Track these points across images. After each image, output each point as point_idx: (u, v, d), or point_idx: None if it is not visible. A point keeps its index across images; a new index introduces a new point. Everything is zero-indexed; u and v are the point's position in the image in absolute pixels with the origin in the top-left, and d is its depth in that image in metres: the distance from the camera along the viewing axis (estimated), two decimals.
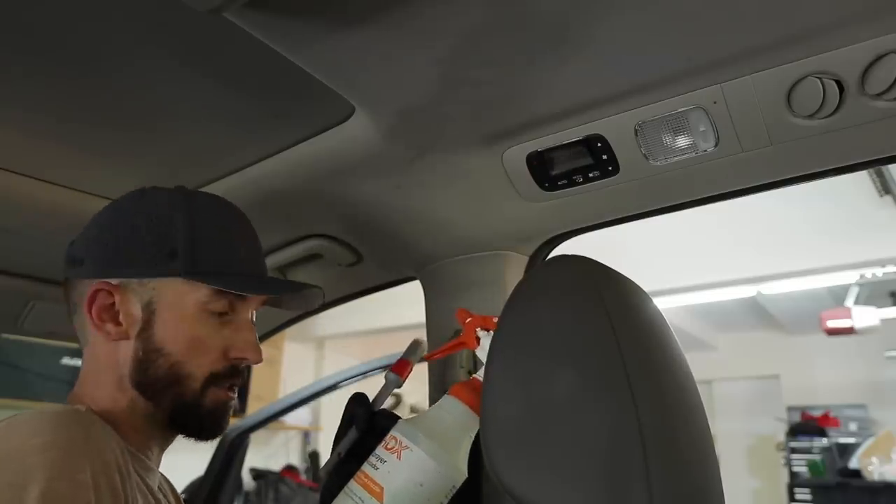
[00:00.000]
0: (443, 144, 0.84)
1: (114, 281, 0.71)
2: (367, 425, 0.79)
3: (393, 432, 0.70)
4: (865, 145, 0.74)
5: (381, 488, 0.65)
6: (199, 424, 0.73)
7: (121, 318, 0.71)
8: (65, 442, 0.57)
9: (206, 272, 0.72)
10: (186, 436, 0.74)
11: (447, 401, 0.72)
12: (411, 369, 0.89)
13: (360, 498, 0.66)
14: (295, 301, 0.84)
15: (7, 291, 1.20)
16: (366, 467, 0.69)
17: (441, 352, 0.84)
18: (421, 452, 0.67)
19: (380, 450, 0.69)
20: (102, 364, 0.72)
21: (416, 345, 0.93)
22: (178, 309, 0.71)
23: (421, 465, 0.66)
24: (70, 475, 0.54)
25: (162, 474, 0.80)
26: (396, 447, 0.68)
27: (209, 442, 0.76)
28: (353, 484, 0.68)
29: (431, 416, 0.72)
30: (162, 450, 0.76)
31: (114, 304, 0.71)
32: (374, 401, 0.84)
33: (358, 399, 0.82)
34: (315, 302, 0.83)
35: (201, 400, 0.71)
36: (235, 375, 0.74)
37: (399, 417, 0.79)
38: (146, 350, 0.70)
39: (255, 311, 0.79)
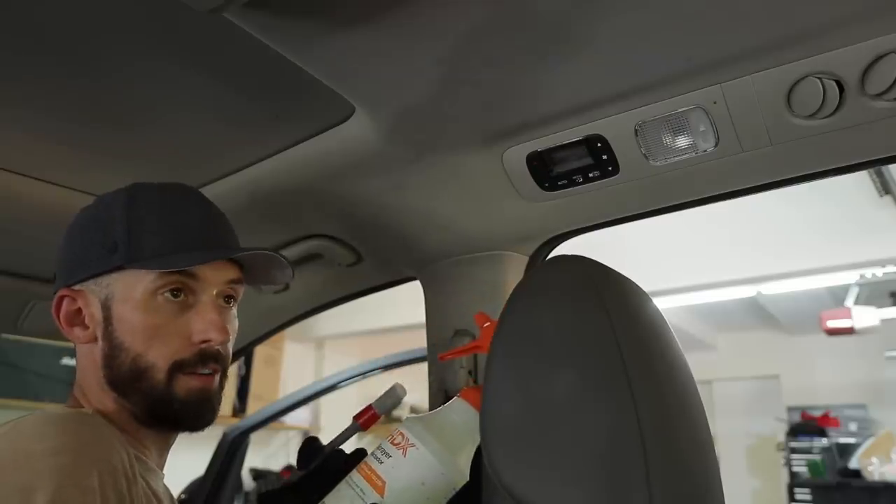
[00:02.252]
0: (443, 144, 0.84)
1: (76, 287, 0.73)
2: (317, 467, 0.82)
3: (401, 428, 0.70)
4: (865, 145, 0.73)
5: (384, 482, 0.66)
6: (175, 416, 0.70)
7: (86, 320, 0.72)
8: (73, 446, 0.57)
9: (146, 257, 0.70)
10: (169, 429, 0.73)
11: (457, 403, 0.73)
12: (378, 420, 0.89)
13: (361, 489, 0.67)
14: (272, 273, 0.80)
15: (7, 291, 1.20)
16: (370, 460, 0.69)
17: (455, 353, 0.84)
18: (426, 452, 0.68)
19: (385, 444, 0.70)
20: (86, 369, 0.73)
21: (390, 394, 0.91)
22: (129, 300, 0.70)
23: (425, 464, 0.67)
24: (77, 480, 0.55)
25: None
26: (403, 443, 0.69)
27: (203, 434, 0.74)
28: (355, 474, 0.69)
29: (440, 416, 0.72)
30: (161, 449, 0.75)
31: (80, 309, 0.72)
32: (332, 442, 0.87)
33: (309, 443, 0.85)
34: (280, 275, 0.80)
35: (171, 390, 0.69)
36: (207, 360, 0.71)
37: (346, 456, 0.83)
38: (110, 348, 0.70)
39: (233, 294, 0.76)
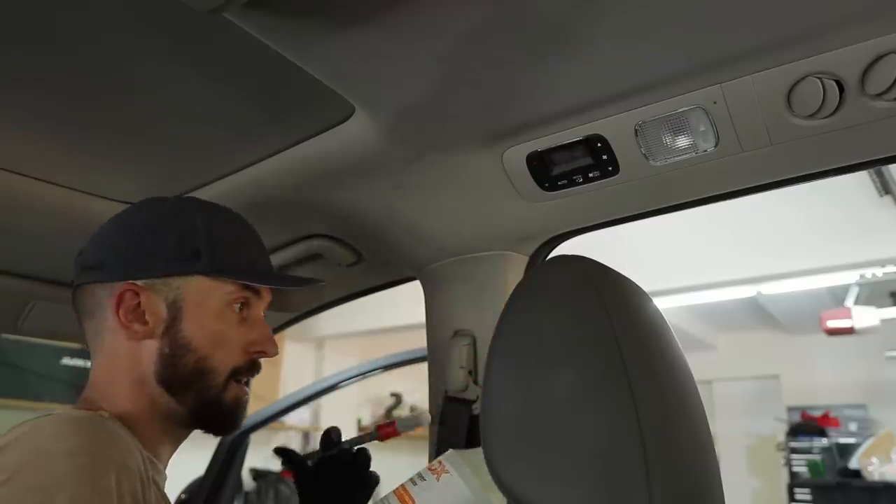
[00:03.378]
0: (443, 144, 0.84)
1: (139, 282, 0.73)
2: (332, 456, 0.93)
3: (442, 457, 0.74)
4: (865, 145, 0.74)
5: (413, 499, 0.70)
6: (222, 419, 0.76)
7: (147, 317, 0.73)
8: (91, 448, 0.58)
9: (228, 270, 0.75)
10: (207, 431, 0.77)
11: None
12: (396, 436, 0.96)
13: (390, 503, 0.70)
14: (301, 298, 0.88)
15: (7, 291, 1.20)
16: (406, 483, 0.73)
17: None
18: (459, 479, 0.70)
19: (424, 470, 0.74)
20: (122, 365, 0.73)
21: (416, 417, 0.97)
22: (203, 306, 0.74)
23: (456, 491, 0.70)
24: (95, 481, 0.56)
25: None
26: (439, 469, 0.73)
27: (203, 434, 0.78)
28: (390, 494, 0.72)
29: (481, 451, 0.75)
30: (173, 451, 0.77)
31: (139, 304, 0.73)
32: (349, 440, 0.95)
33: (332, 432, 0.95)
34: (318, 298, 0.87)
35: (223, 395, 0.74)
36: (253, 370, 0.78)
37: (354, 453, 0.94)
38: (173, 346, 0.73)
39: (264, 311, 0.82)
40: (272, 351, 0.78)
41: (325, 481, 0.94)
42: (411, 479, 0.72)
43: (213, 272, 0.74)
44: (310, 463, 0.95)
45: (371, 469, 0.96)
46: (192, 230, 0.75)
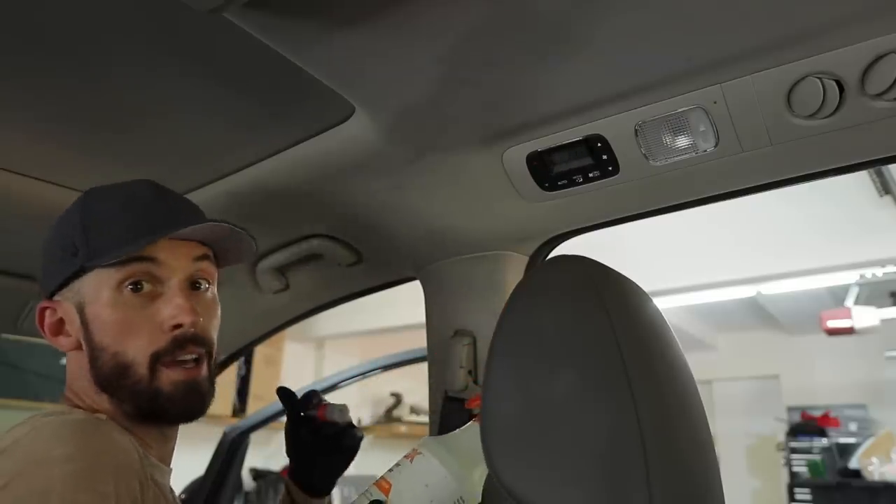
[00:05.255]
0: (443, 144, 0.84)
1: (56, 297, 0.74)
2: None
3: (416, 444, 0.76)
4: (865, 145, 0.73)
5: (390, 484, 0.72)
6: (163, 410, 0.70)
7: (67, 328, 0.73)
8: (88, 452, 0.58)
9: (101, 253, 0.70)
10: (160, 424, 0.73)
11: (472, 426, 0.77)
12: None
13: (369, 493, 0.72)
14: (231, 253, 0.79)
15: (7, 291, 1.20)
16: (385, 472, 0.75)
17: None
18: (431, 456, 0.72)
19: (401, 459, 0.75)
20: (76, 374, 0.74)
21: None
22: (97, 300, 0.70)
23: (429, 468, 0.72)
24: (93, 486, 0.56)
25: None
26: (412, 454, 0.74)
27: (203, 434, 0.77)
28: (371, 486, 0.74)
29: (454, 435, 0.78)
30: (161, 444, 0.74)
31: (61, 318, 0.74)
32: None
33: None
34: (245, 249, 0.78)
35: (155, 385, 0.69)
36: (185, 345, 0.70)
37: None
38: (91, 350, 0.71)
39: (204, 278, 0.75)
40: (187, 319, 0.69)
41: (307, 441, 0.96)
42: (389, 469, 0.75)
43: (87, 262, 0.70)
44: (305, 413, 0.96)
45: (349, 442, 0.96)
46: (70, 227, 0.73)
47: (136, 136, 0.88)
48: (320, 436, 0.95)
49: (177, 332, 0.70)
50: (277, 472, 4.57)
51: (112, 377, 0.70)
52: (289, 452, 0.98)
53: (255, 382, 4.33)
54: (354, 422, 0.97)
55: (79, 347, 0.72)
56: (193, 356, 0.71)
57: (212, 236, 0.75)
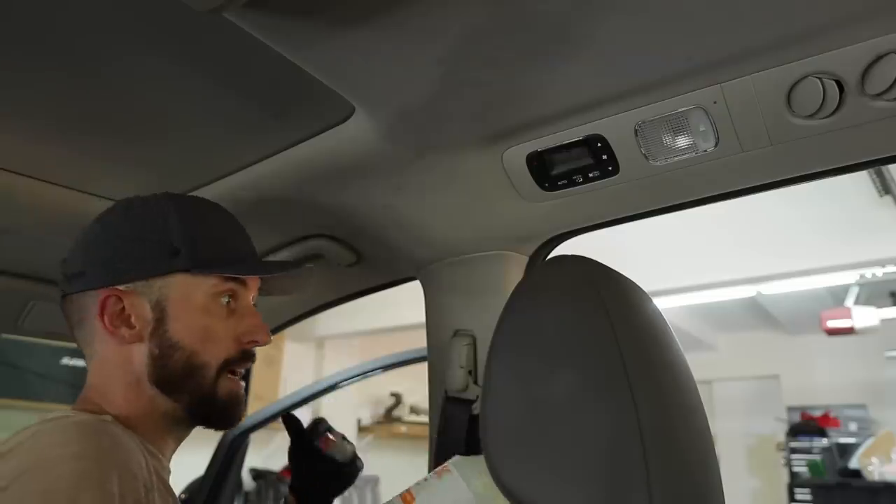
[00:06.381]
0: (443, 144, 0.84)
1: (121, 287, 0.73)
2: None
3: (448, 462, 0.76)
4: (865, 145, 0.73)
5: (413, 497, 0.72)
6: (219, 414, 0.76)
7: (133, 320, 0.73)
8: (94, 452, 0.58)
9: (208, 264, 0.75)
10: (208, 427, 0.78)
11: None
12: None
13: (394, 503, 0.72)
14: (290, 283, 0.87)
15: (7, 291, 1.20)
16: (411, 485, 0.75)
17: None
18: (459, 477, 0.72)
19: (429, 474, 0.76)
20: (115, 370, 0.73)
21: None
22: (187, 303, 0.74)
23: (454, 486, 0.72)
24: (99, 485, 0.56)
25: None
26: (441, 470, 0.74)
27: (203, 434, 0.80)
28: (396, 497, 0.74)
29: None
30: (175, 447, 0.78)
31: (124, 308, 0.73)
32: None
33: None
34: (306, 285, 0.87)
35: (216, 390, 0.74)
36: (247, 360, 0.78)
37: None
38: (161, 347, 0.73)
39: (254, 299, 0.82)
40: (264, 339, 0.78)
41: (308, 464, 1.00)
42: (416, 482, 0.74)
43: (193, 268, 0.74)
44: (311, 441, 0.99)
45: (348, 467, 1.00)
46: (167, 228, 0.75)
47: (135, 136, 0.88)
48: (320, 466, 0.98)
49: (248, 346, 0.78)
50: (277, 472, 4.57)
51: (181, 375, 0.73)
52: (289, 468, 1.01)
53: (255, 382, 4.33)
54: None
55: (138, 341, 0.73)
56: (244, 369, 0.78)
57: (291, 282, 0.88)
